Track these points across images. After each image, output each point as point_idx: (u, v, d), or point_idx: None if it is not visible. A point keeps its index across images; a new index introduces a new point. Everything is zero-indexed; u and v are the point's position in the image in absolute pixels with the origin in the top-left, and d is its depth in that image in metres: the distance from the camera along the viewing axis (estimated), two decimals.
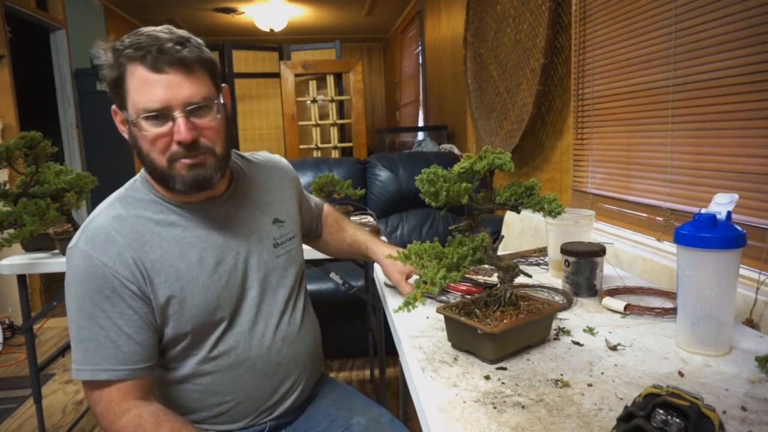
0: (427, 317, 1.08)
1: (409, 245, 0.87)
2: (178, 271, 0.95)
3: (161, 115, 0.88)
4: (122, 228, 0.94)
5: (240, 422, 1.05)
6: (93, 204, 4.72)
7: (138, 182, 1.01)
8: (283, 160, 1.22)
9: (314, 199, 1.37)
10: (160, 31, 0.89)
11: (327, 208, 1.40)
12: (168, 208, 0.98)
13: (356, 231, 1.35)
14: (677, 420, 0.56)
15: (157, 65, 0.86)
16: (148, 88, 0.86)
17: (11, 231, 1.71)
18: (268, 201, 1.11)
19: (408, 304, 0.74)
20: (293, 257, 1.12)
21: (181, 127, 0.88)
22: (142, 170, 1.00)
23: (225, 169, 0.99)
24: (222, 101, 0.95)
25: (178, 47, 0.87)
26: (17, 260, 1.83)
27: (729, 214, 0.84)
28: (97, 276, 0.90)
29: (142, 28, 0.91)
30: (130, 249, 0.92)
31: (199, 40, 0.94)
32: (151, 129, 0.88)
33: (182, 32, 0.92)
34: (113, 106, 0.93)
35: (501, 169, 0.91)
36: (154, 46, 0.86)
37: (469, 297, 1.06)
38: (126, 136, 0.95)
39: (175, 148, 0.90)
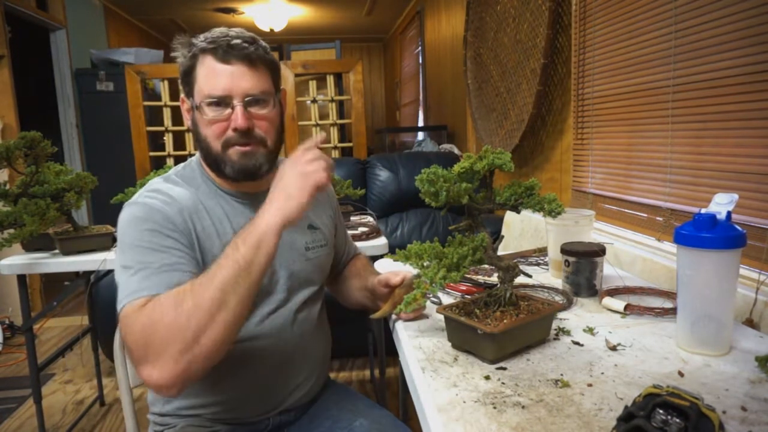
0: (428, 317, 1.08)
1: (409, 245, 0.87)
2: (219, 247, 0.98)
3: (222, 102, 0.96)
4: (181, 195, 0.99)
5: (246, 411, 1.06)
6: (93, 204, 4.73)
7: (194, 163, 1.08)
8: None
9: (352, 242, 1.37)
10: (232, 30, 1.00)
11: (363, 257, 1.36)
12: (216, 192, 1.04)
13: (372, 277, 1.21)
14: (677, 420, 0.56)
15: (225, 57, 0.95)
16: (215, 76, 0.95)
17: (11, 231, 1.71)
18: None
19: (408, 304, 0.74)
20: (321, 264, 1.15)
21: (238, 115, 0.96)
22: (198, 153, 1.08)
23: (274, 162, 1.05)
24: (278, 99, 1.04)
25: (246, 45, 0.97)
26: (17, 260, 1.83)
27: (729, 214, 0.84)
28: (157, 220, 0.93)
29: (217, 28, 1.00)
30: (187, 212, 0.97)
31: (265, 44, 1.03)
32: (211, 114, 0.96)
33: (251, 34, 1.01)
34: (182, 96, 1.03)
35: (501, 169, 0.91)
36: (224, 40, 0.96)
37: (469, 297, 1.06)
38: (189, 123, 1.03)
39: (230, 134, 0.97)
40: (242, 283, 0.81)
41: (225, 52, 0.95)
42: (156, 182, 1.02)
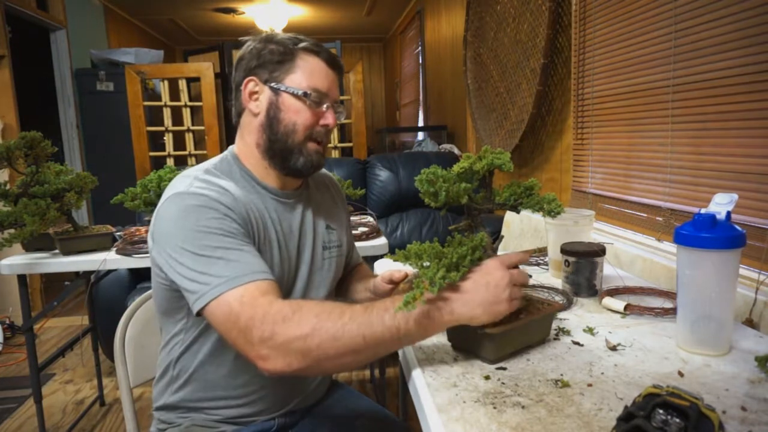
0: None
1: (408, 245, 0.87)
2: (263, 239, 1.00)
3: (321, 99, 1.02)
4: (229, 187, 0.98)
5: (253, 409, 1.05)
6: (93, 204, 4.73)
7: (229, 157, 1.07)
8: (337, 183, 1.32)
9: (357, 249, 1.38)
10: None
11: (366, 266, 1.39)
12: (253, 186, 1.04)
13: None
14: (677, 420, 0.56)
15: (331, 63, 1.05)
16: (321, 75, 1.03)
17: (11, 231, 1.71)
18: (325, 208, 1.18)
19: (408, 303, 0.74)
20: (336, 264, 1.16)
21: (331, 115, 1.04)
22: (232, 148, 1.09)
23: None
24: None
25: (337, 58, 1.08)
26: (17, 260, 1.83)
27: (729, 214, 0.84)
28: (219, 208, 0.91)
29: (299, 35, 1.05)
30: (239, 201, 0.97)
31: None
32: (311, 104, 1.02)
33: None
34: (251, 77, 1.03)
35: (500, 169, 0.91)
36: (324, 48, 1.05)
37: None
38: (251, 105, 1.03)
39: (318, 129, 1.04)
40: (386, 348, 0.81)
41: (330, 58, 1.04)
42: (197, 173, 0.99)
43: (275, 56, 1.02)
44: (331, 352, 0.78)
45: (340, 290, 1.30)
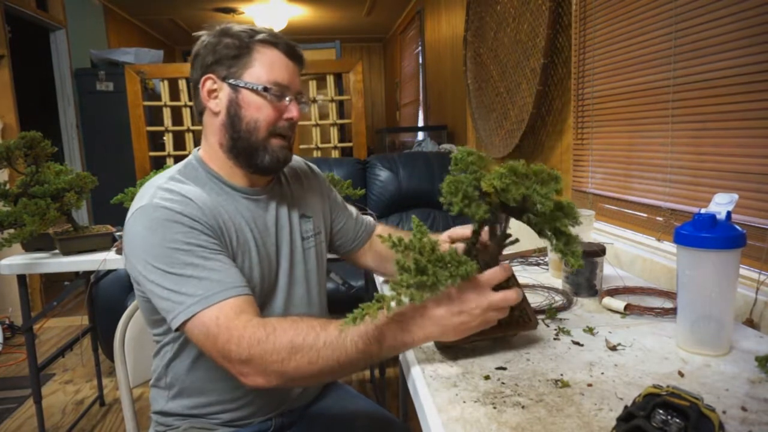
0: None
1: (415, 228, 0.81)
2: (238, 242, 0.98)
3: (282, 92, 0.99)
4: (195, 194, 0.96)
5: (249, 411, 1.05)
6: (93, 204, 4.72)
7: (194, 161, 1.04)
8: (311, 164, 1.28)
9: (360, 215, 1.33)
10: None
11: (382, 227, 1.35)
12: (222, 188, 1.02)
13: None
14: (677, 420, 0.56)
15: (290, 54, 1.01)
16: (281, 67, 0.99)
17: (11, 231, 1.71)
18: (297, 197, 1.15)
19: (355, 319, 0.71)
20: (318, 252, 1.15)
21: (294, 107, 1.01)
22: (196, 151, 1.06)
23: None
24: None
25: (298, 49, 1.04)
26: (17, 260, 1.83)
27: (729, 214, 0.84)
28: (182, 223, 0.90)
29: (253, 25, 1.02)
30: (207, 208, 0.95)
31: None
32: (271, 99, 0.99)
33: None
34: (209, 75, 0.99)
35: (534, 205, 0.83)
36: (283, 39, 1.01)
37: None
38: (210, 104, 1.00)
39: (282, 123, 1.01)
40: (360, 368, 0.87)
41: (289, 49, 1.01)
42: (161, 182, 0.96)
43: (231, 50, 0.98)
44: (306, 374, 0.82)
45: (366, 264, 1.28)
